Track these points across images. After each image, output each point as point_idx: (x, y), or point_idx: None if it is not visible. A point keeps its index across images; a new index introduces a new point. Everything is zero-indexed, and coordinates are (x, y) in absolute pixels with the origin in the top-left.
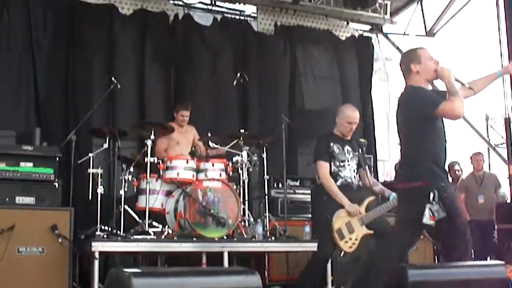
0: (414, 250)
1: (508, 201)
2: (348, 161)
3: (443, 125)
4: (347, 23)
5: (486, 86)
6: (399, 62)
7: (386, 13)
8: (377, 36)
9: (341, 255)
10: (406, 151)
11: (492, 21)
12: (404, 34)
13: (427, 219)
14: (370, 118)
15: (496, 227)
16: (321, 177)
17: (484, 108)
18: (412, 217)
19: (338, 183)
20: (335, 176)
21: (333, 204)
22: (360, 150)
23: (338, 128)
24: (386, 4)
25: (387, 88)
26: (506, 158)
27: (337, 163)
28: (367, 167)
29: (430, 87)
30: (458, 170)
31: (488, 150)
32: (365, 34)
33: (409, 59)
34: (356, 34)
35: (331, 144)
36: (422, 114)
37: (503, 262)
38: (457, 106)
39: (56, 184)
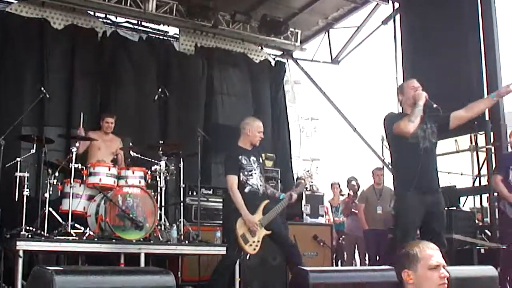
0: (315, 256)
1: None
2: (254, 170)
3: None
4: (261, 48)
5: (481, 109)
6: None
7: (297, 41)
8: (287, 61)
9: (248, 258)
10: None
11: (390, 51)
12: (312, 60)
13: None
14: (286, 135)
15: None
16: (229, 189)
17: (381, 130)
18: None
19: (247, 190)
20: (243, 184)
21: (239, 213)
22: (261, 159)
23: (246, 140)
24: (297, 33)
25: (295, 109)
26: None
27: (246, 173)
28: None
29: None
30: (354, 185)
31: (383, 167)
32: (277, 59)
33: None
34: (270, 58)
35: (240, 157)
36: None
37: (392, 268)
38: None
39: None
